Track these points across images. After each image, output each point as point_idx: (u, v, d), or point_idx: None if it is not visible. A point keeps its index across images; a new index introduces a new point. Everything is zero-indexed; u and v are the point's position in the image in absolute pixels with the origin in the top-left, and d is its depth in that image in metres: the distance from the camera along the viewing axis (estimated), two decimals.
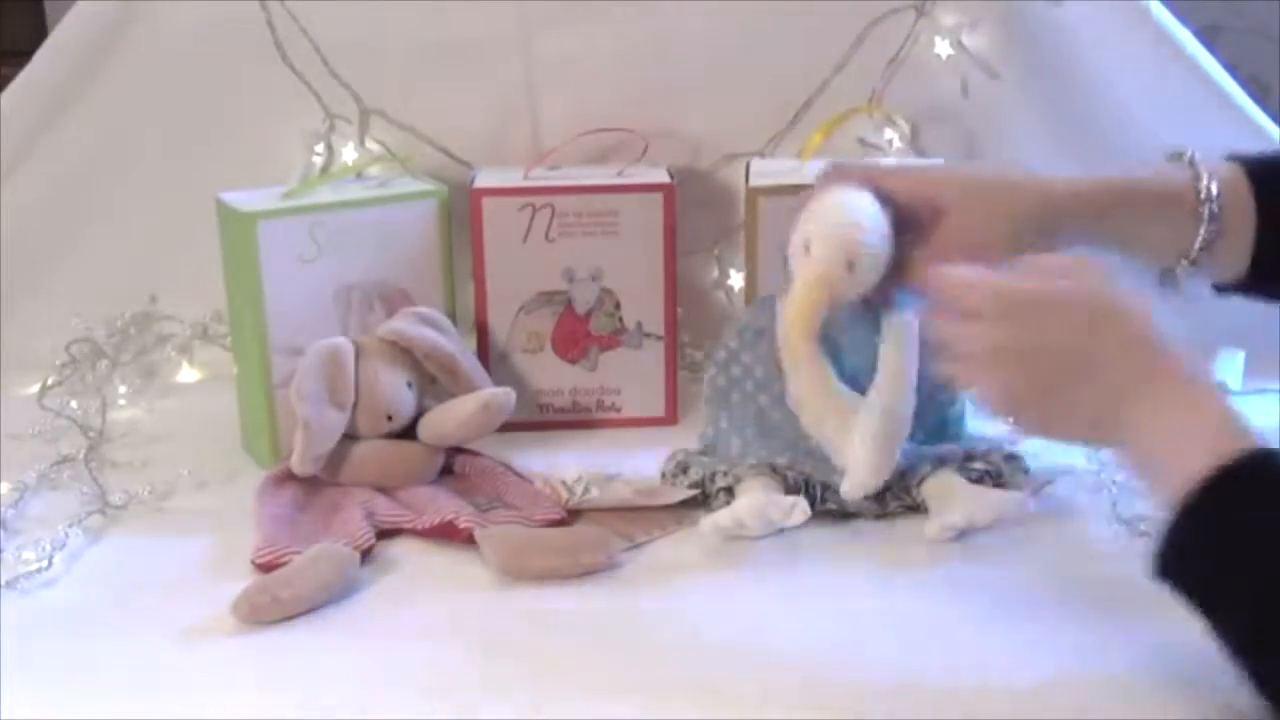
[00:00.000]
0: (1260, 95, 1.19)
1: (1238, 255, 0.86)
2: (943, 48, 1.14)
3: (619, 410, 1.10)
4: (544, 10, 1.16)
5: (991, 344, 0.76)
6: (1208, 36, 1.17)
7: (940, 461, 0.93)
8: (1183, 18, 1.15)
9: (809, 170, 1.08)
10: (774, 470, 0.93)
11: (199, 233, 1.09)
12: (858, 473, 0.89)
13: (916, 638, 0.80)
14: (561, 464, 1.00)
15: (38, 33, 1.44)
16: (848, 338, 0.92)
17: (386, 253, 1.04)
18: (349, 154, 1.17)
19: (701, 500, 0.94)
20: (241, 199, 1.02)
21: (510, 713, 0.73)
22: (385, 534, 0.92)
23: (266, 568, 0.86)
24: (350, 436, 0.98)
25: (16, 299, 1.21)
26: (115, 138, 1.19)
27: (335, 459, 0.97)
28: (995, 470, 0.94)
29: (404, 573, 0.89)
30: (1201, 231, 0.85)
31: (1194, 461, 0.68)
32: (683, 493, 0.94)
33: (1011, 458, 0.95)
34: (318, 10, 1.16)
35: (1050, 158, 1.16)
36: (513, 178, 1.09)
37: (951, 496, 0.91)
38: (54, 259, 1.21)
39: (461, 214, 1.08)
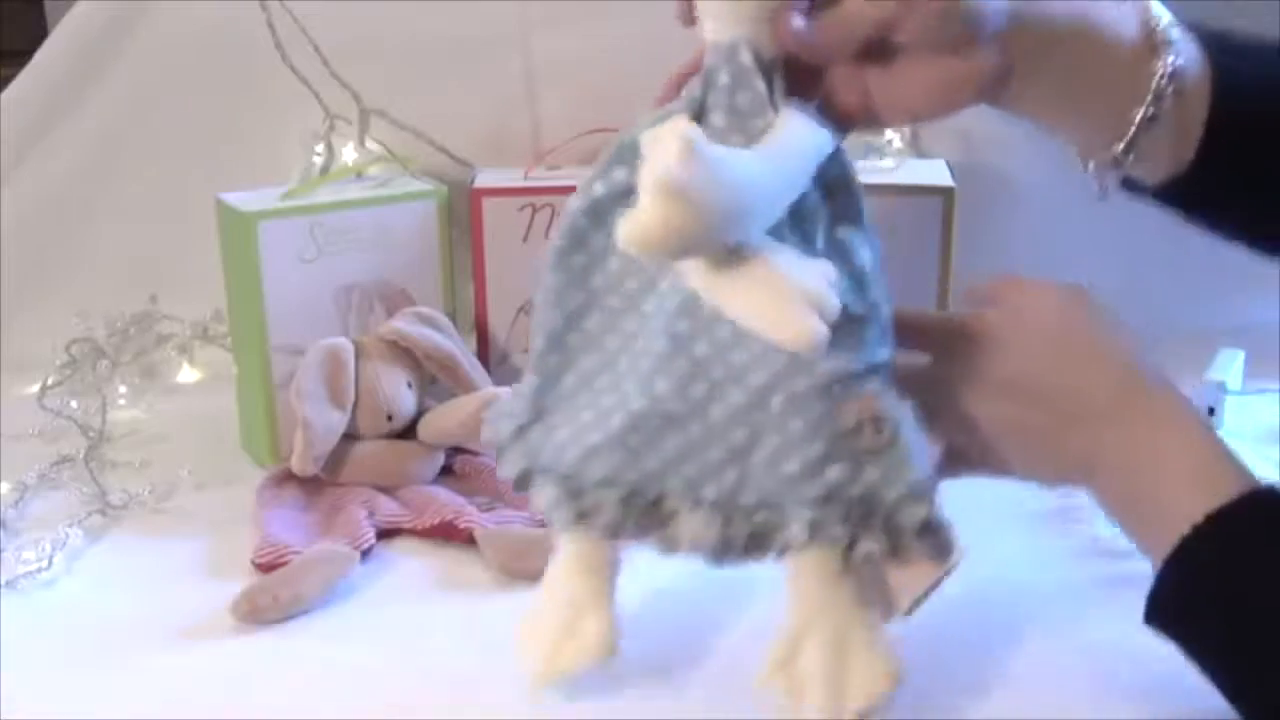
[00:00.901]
0: None
1: (1187, 129, 0.71)
2: None
3: None
4: (544, 10, 1.16)
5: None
6: None
7: (817, 528, 0.65)
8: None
9: None
10: (589, 523, 0.69)
11: (199, 233, 1.09)
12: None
13: (915, 637, 0.79)
14: None
15: (38, 33, 1.44)
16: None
17: (386, 253, 1.04)
18: (349, 154, 1.17)
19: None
20: (241, 199, 1.02)
21: (510, 712, 0.73)
22: (385, 534, 0.92)
23: (267, 568, 0.86)
24: (350, 436, 0.98)
25: (17, 298, 1.21)
26: (115, 138, 1.19)
27: (335, 459, 0.97)
28: (896, 544, 0.66)
29: (404, 573, 0.89)
30: (1159, 70, 0.69)
31: (1187, 502, 0.63)
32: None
33: (928, 529, 0.66)
34: (318, 10, 1.16)
35: (1050, 157, 1.16)
36: (513, 178, 1.09)
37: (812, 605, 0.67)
38: (54, 259, 1.21)
39: (461, 214, 1.08)
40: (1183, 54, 0.70)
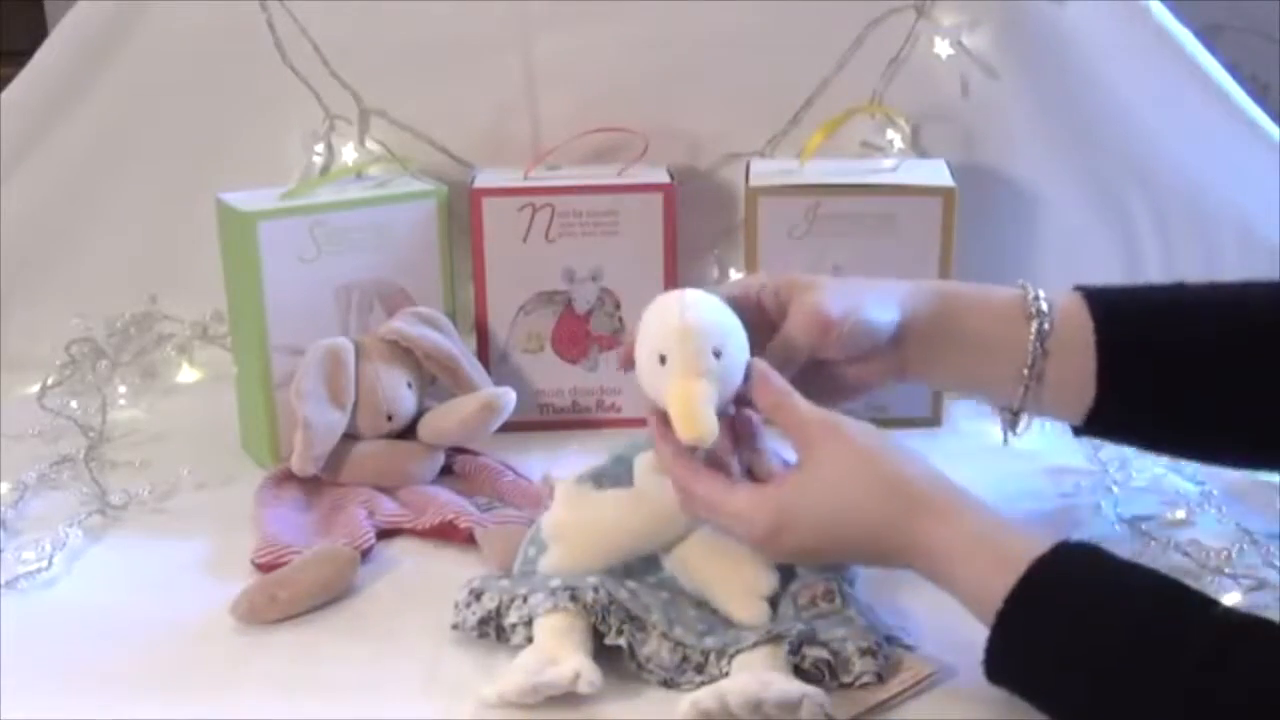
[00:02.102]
0: (1260, 95, 1.19)
1: (1079, 385, 0.83)
2: (943, 48, 1.14)
3: (619, 410, 1.10)
4: (544, 10, 1.16)
5: (759, 549, 0.78)
6: (1208, 36, 1.17)
7: (771, 637, 0.76)
8: (1183, 18, 1.15)
9: (809, 170, 1.08)
10: (574, 598, 0.77)
11: (199, 233, 1.09)
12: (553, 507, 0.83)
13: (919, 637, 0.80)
14: (561, 464, 1.00)
15: (38, 33, 1.44)
16: None
17: (386, 253, 1.04)
18: (349, 154, 1.17)
19: (495, 635, 0.79)
20: (241, 199, 1.02)
21: (510, 712, 0.73)
22: (385, 534, 0.92)
23: (266, 568, 0.86)
24: (350, 436, 0.98)
25: (17, 298, 1.21)
26: (115, 138, 1.19)
27: (335, 459, 0.97)
28: (841, 663, 0.75)
29: (404, 573, 0.89)
30: (1031, 336, 0.83)
31: (990, 588, 0.70)
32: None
33: (868, 652, 0.75)
34: (318, 10, 1.16)
35: (1050, 158, 1.16)
36: (513, 178, 1.09)
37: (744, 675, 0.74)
38: (54, 259, 1.21)
39: (461, 214, 1.08)
40: (1050, 318, 0.83)
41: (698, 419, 0.76)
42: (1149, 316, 0.84)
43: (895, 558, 0.75)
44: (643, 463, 0.83)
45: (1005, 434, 0.88)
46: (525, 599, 0.78)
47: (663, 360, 0.78)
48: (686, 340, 0.77)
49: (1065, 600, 0.69)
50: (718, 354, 0.78)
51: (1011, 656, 0.70)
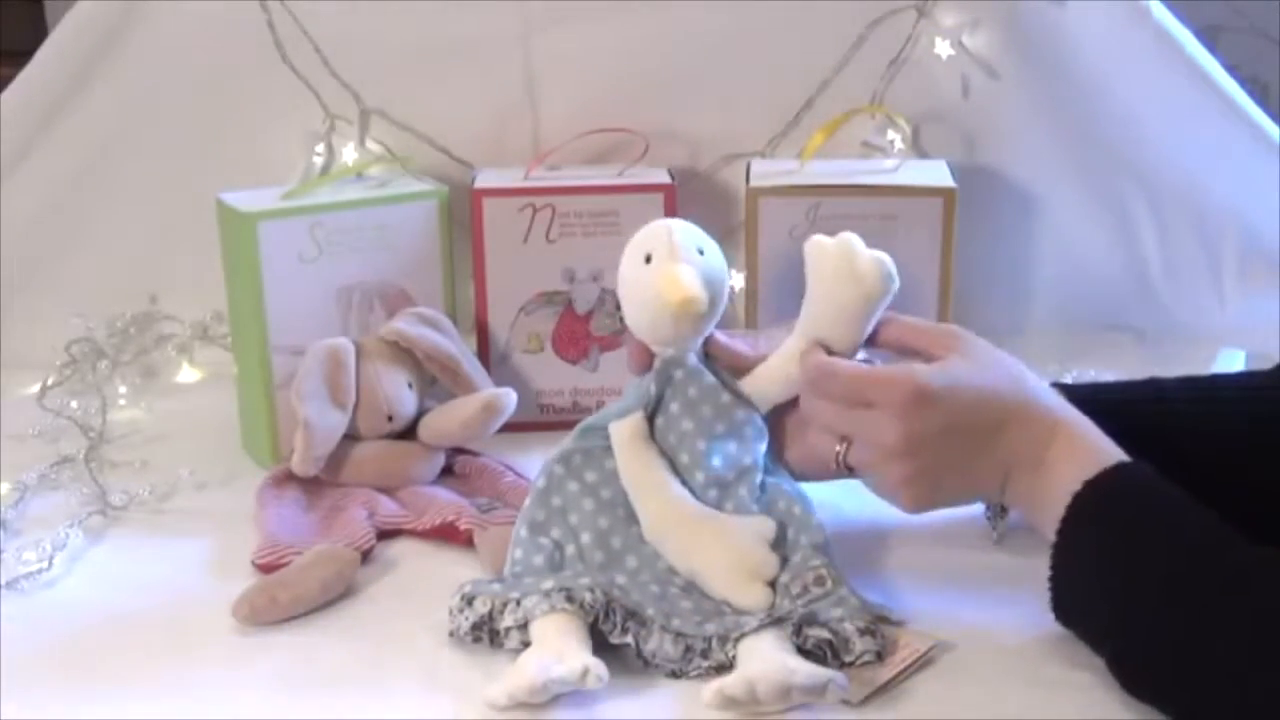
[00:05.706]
0: (1260, 95, 1.20)
1: None
2: (943, 48, 1.14)
3: None
4: (544, 10, 1.16)
5: (897, 435, 0.78)
6: (1208, 36, 1.17)
7: (772, 620, 0.77)
8: (1183, 18, 1.15)
9: (809, 171, 1.08)
10: (570, 599, 0.77)
11: (199, 233, 1.09)
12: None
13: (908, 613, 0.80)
14: None
15: (38, 33, 1.44)
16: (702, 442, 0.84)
17: (386, 253, 1.04)
18: (349, 154, 1.17)
19: (489, 640, 0.79)
20: (241, 199, 1.02)
21: (516, 713, 0.73)
22: (385, 534, 0.92)
23: (267, 568, 0.86)
24: (351, 437, 0.98)
25: (16, 299, 1.21)
26: (115, 138, 1.19)
27: (336, 459, 0.97)
28: (841, 643, 0.76)
29: (404, 573, 0.89)
30: None
31: (1070, 479, 0.75)
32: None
33: (867, 631, 0.76)
34: (318, 10, 1.16)
35: (1050, 158, 1.17)
36: (513, 178, 1.09)
37: (758, 660, 0.74)
38: (54, 259, 1.21)
39: (461, 214, 1.08)
40: None
41: (682, 282, 0.82)
42: (1124, 403, 0.85)
43: (1011, 462, 0.78)
44: (620, 428, 0.85)
45: (993, 530, 0.88)
46: (519, 602, 0.78)
47: (648, 259, 0.84)
48: (671, 233, 0.84)
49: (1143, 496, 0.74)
50: (700, 252, 0.85)
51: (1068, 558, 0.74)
